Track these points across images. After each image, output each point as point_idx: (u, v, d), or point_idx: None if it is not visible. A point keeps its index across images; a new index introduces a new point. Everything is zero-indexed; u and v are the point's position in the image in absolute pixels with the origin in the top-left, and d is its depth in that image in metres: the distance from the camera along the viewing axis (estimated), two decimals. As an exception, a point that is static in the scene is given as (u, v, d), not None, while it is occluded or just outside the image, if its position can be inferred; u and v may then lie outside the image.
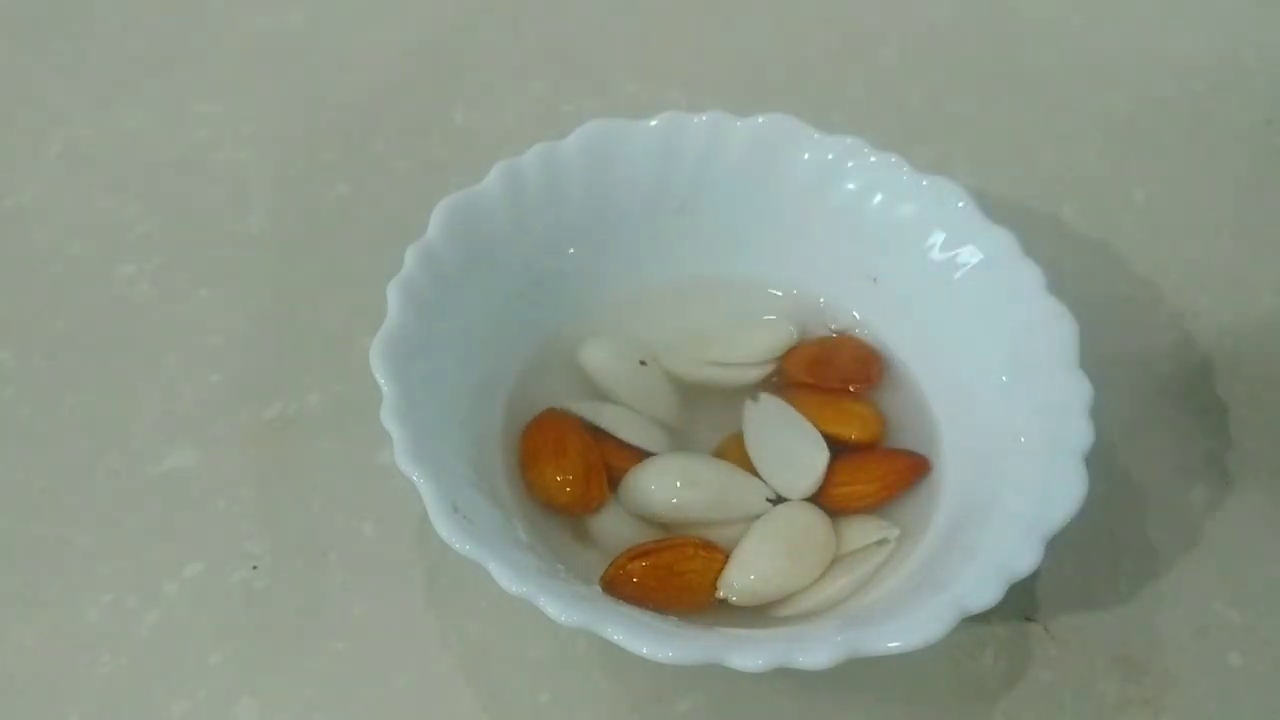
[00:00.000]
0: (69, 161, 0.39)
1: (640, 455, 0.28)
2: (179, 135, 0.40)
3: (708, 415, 0.30)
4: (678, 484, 0.27)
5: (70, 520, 0.30)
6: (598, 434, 0.29)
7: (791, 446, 0.28)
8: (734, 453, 0.29)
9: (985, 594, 0.22)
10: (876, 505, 0.28)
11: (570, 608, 0.22)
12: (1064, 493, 0.24)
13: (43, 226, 0.37)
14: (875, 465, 0.28)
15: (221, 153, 0.39)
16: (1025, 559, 0.23)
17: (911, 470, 0.28)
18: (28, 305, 0.35)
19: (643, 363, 0.30)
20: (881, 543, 0.27)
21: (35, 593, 0.29)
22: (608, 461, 0.28)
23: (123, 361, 0.33)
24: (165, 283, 0.35)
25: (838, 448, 0.28)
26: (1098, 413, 0.25)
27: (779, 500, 0.28)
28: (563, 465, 0.27)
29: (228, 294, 0.35)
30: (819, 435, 0.28)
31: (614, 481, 0.28)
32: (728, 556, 0.26)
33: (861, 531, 0.27)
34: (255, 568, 0.29)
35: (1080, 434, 0.25)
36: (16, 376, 0.33)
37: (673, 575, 0.26)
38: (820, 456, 0.28)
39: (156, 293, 0.35)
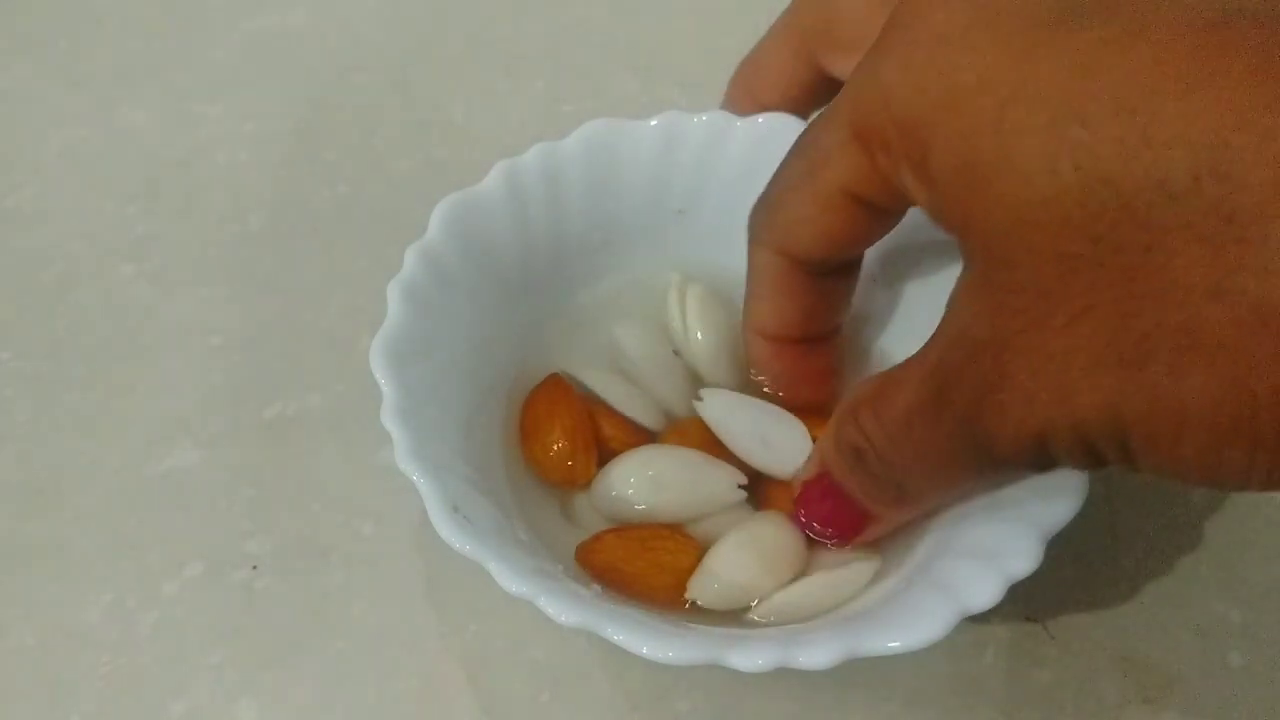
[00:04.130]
0: (69, 161, 0.39)
1: (635, 436, 0.28)
2: (179, 135, 0.40)
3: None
4: (649, 475, 0.27)
5: (70, 520, 0.30)
6: (596, 409, 0.29)
7: (766, 427, 0.28)
8: (694, 433, 0.28)
9: (985, 594, 0.22)
10: None
11: (570, 608, 0.22)
12: (1064, 493, 0.23)
13: (43, 226, 0.37)
14: None
15: (221, 153, 0.39)
16: (1025, 559, 0.22)
17: None
18: (28, 305, 0.35)
19: (675, 353, 0.30)
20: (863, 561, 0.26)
21: (35, 593, 0.29)
22: (602, 442, 0.28)
23: (123, 361, 0.33)
24: (165, 283, 0.35)
25: None
26: (1098, 413, 0.25)
27: (749, 487, 0.27)
28: (555, 429, 0.28)
29: (228, 294, 0.35)
30: (781, 409, 0.28)
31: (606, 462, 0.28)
32: (701, 546, 0.26)
33: (840, 556, 0.26)
34: (255, 568, 0.29)
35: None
36: (16, 376, 0.33)
37: (644, 550, 0.26)
38: (798, 426, 0.28)
39: (156, 293, 0.35)
